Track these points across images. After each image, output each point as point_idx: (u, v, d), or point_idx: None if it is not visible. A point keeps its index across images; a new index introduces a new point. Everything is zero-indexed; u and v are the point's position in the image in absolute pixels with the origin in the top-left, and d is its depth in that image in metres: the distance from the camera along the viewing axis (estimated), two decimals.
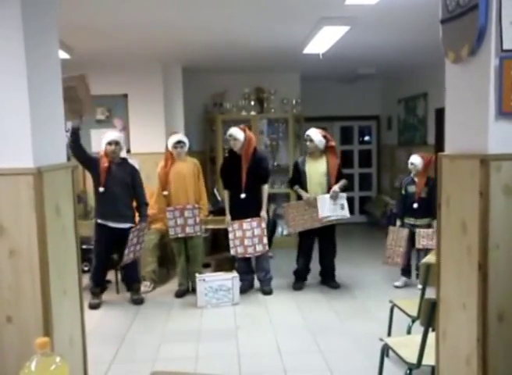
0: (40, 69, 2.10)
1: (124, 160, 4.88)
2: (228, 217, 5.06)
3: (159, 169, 5.11)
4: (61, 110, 2.37)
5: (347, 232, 7.79)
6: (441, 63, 2.26)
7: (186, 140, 5.06)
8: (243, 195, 4.94)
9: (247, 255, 5.06)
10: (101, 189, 4.66)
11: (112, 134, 4.79)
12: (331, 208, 4.96)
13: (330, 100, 8.56)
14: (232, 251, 5.03)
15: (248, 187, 4.95)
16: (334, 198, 4.97)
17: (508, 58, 1.82)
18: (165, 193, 5.04)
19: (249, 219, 4.97)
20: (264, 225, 5.00)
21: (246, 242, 4.99)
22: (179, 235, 5.00)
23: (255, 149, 5.06)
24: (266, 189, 5.09)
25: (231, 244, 5.01)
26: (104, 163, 4.70)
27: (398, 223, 5.20)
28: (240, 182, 4.95)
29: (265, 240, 5.00)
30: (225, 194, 5.14)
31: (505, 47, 1.82)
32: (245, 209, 4.97)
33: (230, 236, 5.00)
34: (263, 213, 5.03)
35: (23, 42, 1.96)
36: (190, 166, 5.08)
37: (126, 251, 4.65)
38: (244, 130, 5.02)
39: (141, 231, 4.80)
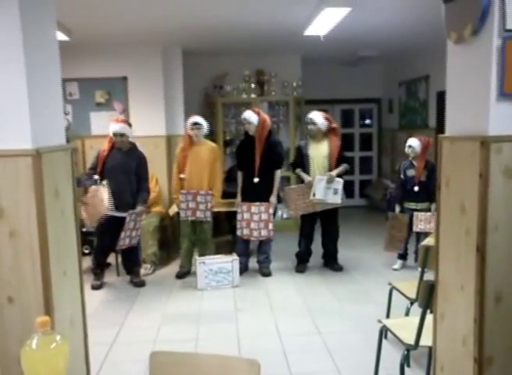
0: (37, 50, 2.08)
1: (133, 146, 4.87)
2: (238, 198, 5.06)
3: (178, 151, 5.11)
4: (60, 92, 2.35)
5: (347, 215, 7.79)
6: (443, 46, 2.23)
7: (203, 122, 5.03)
8: (256, 179, 4.94)
9: (252, 238, 5.08)
10: (96, 176, 4.66)
11: (117, 126, 4.70)
12: (323, 191, 4.96)
13: (331, 83, 8.50)
14: (238, 232, 5.05)
15: (262, 171, 4.94)
16: (329, 181, 4.97)
17: (511, 39, 1.80)
18: (183, 176, 5.02)
19: (258, 203, 4.97)
20: (271, 211, 5.00)
21: (252, 225, 5.00)
22: (190, 218, 5.00)
23: (270, 132, 5.03)
24: (279, 174, 5.08)
25: (238, 225, 5.03)
26: (104, 151, 4.72)
27: (397, 208, 5.19)
28: (254, 165, 4.94)
29: (271, 226, 4.99)
30: (239, 175, 5.13)
31: (508, 27, 1.80)
32: (257, 193, 4.97)
33: (238, 217, 5.01)
34: (272, 199, 5.02)
35: (20, 25, 1.93)
36: (207, 150, 5.05)
37: (122, 235, 4.64)
38: (258, 113, 4.99)
39: (139, 216, 4.77)
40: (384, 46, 6.78)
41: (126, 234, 4.70)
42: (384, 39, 6.25)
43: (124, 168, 4.73)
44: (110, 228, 4.70)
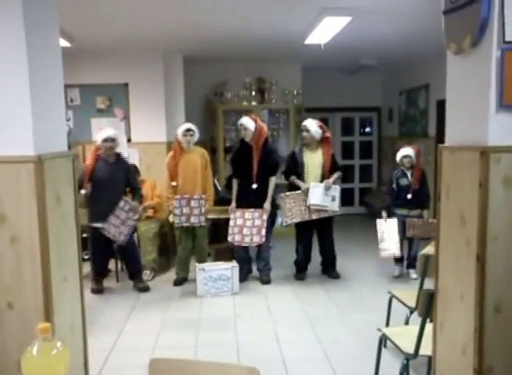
0: (40, 57, 2.10)
1: (118, 156, 4.86)
2: (233, 204, 5.06)
3: (168, 160, 5.13)
4: (62, 98, 2.37)
5: (347, 223, 7.81)
6: (443, 55, 2.25)
7: (195, 128, 5.07)
8: (254, 186, 4.95)
9: (243, 244, 5.06)
10: (83, 191, 4.61)
11: (109, 131, 4.75)
12: (321, 197, 4.97)
13: (331, 91, 8.53)
14: (229, 238, 5.04)
15: (259, 177, 4.96)
16: (327, 188, 4.99)
17: (510, 50, 1.81)
18: (174, 183, 5.05)
19: (252, 209, 4.98)
20: (265, 217, 5.00)
21: (244, 231, 4.99)
22: (184, 224, 5.01)
23: (266, 140, 5.06)
24: (274, 181, 5.09)
25: (230, 230, 5.02)
26: (89, 166, 4.66)
27: (384, 214, 5.24)
28: (251, 172, 4.95)
29: (263, 232, 4.98)
30: (234, 182, 5.14)
31: (507, 38, 1.81)
32: (254, 200, 4.98)
33: (231, 223, 5.01)
34: (266, 205, 5.02)
35: (24, 31, 1.95)
36: (197, 156, 5.08)
37: (113, 220, 4.62)
38: (255, 120, 5.01)
39: (131, 211, 4.74)
40: (384, 55, 6.82)
41: (117, 223, 4.65)
42: (384, 48, 6.29)
43: (112, 180, 4.70)
44: (102, 240, 4.71)
